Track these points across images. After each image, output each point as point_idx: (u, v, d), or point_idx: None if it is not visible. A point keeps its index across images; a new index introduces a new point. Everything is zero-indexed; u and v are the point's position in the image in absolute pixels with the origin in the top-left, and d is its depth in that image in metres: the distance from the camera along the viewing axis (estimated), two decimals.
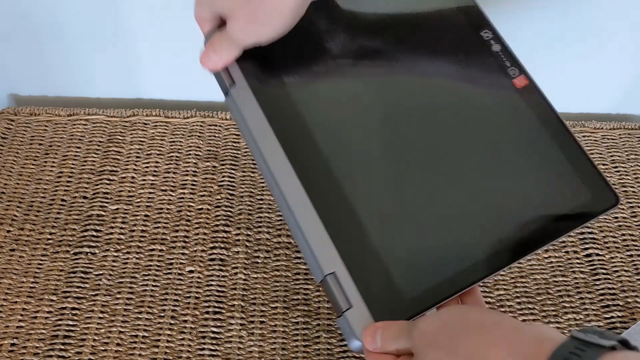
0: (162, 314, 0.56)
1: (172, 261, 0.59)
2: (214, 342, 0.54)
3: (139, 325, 0.55)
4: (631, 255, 0.62)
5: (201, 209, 0.63)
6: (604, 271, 0.60)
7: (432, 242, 0.40)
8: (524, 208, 0.40)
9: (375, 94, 0.43)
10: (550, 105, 0.42)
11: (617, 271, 0.60)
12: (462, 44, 0.43)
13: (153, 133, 0.69)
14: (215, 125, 0.71)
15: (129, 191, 0.64)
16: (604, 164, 0.69)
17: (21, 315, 0.55)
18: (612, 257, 0.61)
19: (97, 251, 0.59)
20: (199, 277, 0.58)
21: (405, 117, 0.42)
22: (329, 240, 0.39)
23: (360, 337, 0.38)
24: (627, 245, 0.62)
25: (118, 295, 0.57)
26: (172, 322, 0.55)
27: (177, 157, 0.67)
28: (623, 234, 0.63)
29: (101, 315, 0.55)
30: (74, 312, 0.55)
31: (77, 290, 0.57)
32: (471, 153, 0.41)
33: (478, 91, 0.42)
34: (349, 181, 0.40)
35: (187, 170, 0.66)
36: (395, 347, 0.36)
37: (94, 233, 0.61)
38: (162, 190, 0.64)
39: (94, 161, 0.67)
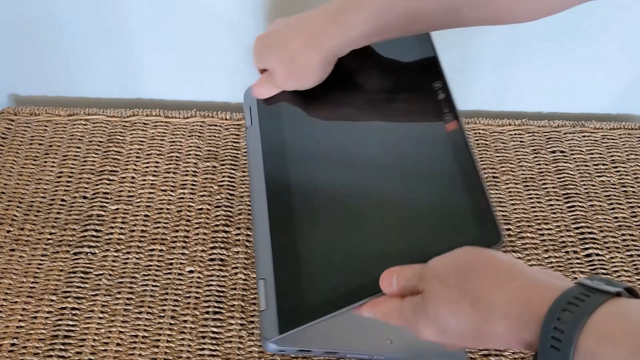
0: (162, 314, 0.56)
1: (172, 261, 0.59)
2: (214, 342, 0.54)
3: (139, 325, 0.55)
4: (631, 255, 0.62)
5: (201, 209, 0.63)
6: (604, 271, 0.60)
7: (342, 262, 0.47)
8: (421, 236, 0.46)
9: (339, 140, 0.53)
10: (468, 147, 0.47)
11: (617, 271, 0.60)
12: (415, 94, 0.52)
13: (153, 133, 0.69)
14: (215, 125, 0.71)
15: (129, 191, 0.64)
16: (604, 164, 0.69)
17: (21, 315, 0.55)
18: (612, 257, 0.61)
19: (97, 251, 0.59)
20: (199, 277, 0.58)
21: (357, 160, 0.51)
22: (270, 252, 0.48)
23: (268, 337, 0.44)
24: (627, 245, 0.62)
25: (118, 295, 0.57)
26: (172, 322, 0.55)
27: (177, 157, 0.67)
28: (623, 234, 0.63)
29: (101, 315, 0.55)
30: (74, 312, 0.55)
31: (77, 290, 0.57)
32: (397, 188, 0.49)
33: (418, 134, 0.50)
34: (301, 211, 0.49)
35: (187, 170, 0.66)
36: (410, 288, 0.39)
37: (94, 233, 0.61)
38: (162, 190, 0.64)
39: (94, 161, 0.67)
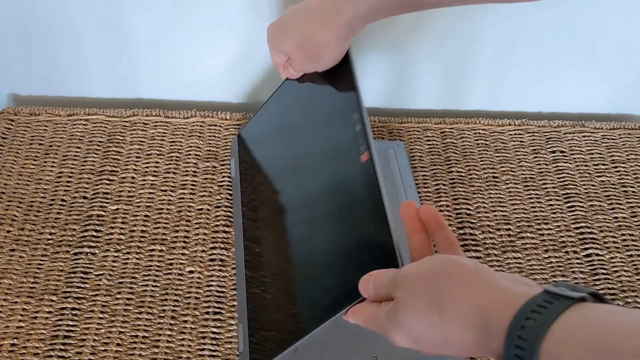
0: (162, 314, 0.56)
1: (172, 261, 0.59)
2: (214, 342, 0.54)
3: (139, 325, 0.55)
4: (631, 255, 0.62)
5: (201, 209, 0.63)
6: (604, 271, 0.60)
7: (289, 305, 0.50)
8: (335, 270, 0.47)
9: (282, 186, 0.58)
10: (377, 177, 0.45)
11: (617, 271, 0.60)
12: (336, 126, 0.52)
13: (153, 133, 0.69)
14: (215, 125, 0.71)
15: (129, 191, 0.64)
16: (604, 164, 0.69)
17: (21, 315, 0.55)
18: (612, 257, 0.61)
19: (97, 251, 0.59)
20: (199, 277, 0.58)
21: (291, 205, 0.56)
22: (245, 301, 0.54)
23: None
24: (627, 245, 0.62)
25: (118, 296, 0.57)
26: (172, 322, 0.55)
27: (177, 157, 0.67)
28: (623, 234, 0.63)
29: (101, 316, 0.55)
30: (74, 312, 0.55)
31: (77, 290, 0.57)
32: (317, 227, 0.51)
33: (336, 164, 0.51)
34: (259, 262, 0.55)
35: (187, 171, 0.66)
36: (385, 293, 0.39)
37: (94, 233, 0.61)
38: (162, 190, 0.64)
39: (94, 161, 0.67)
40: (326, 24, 0.50)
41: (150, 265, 0.59)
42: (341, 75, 0.54)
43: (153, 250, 0.60)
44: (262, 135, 0.64)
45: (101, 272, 0.58)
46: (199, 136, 0.69)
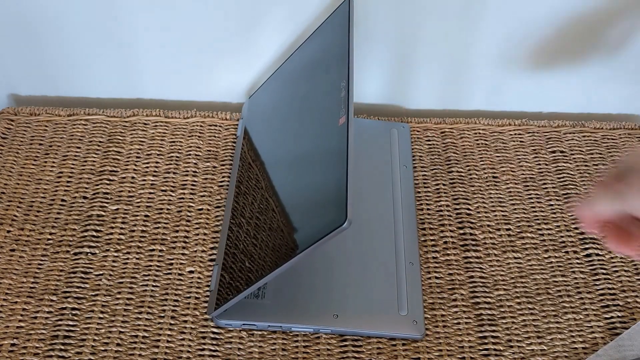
0: (162, 314, 0.56)
1: (172, 261, 0.59)
2: (214, 342, 0.54)
3: (139, 325, 0.55)
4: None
5: (201, 209, 0.63)
6: (604, 271, 0.60)
7: (259, 251, 0.54)
8: (293, 218, 0.52)
9: (273, 144, 0.62)
10: (347, 138, 0.50)
11: (617, 271, 0.60)
12: (326, 92, 0.57)
13: (153, 133, 0.69)
14: (215, 125, 0.71)
15: (129, 191, 0.64)
16: (604, 164, 0.69)
17: (21, 315, 0.55)
18: (612, 257, 0.61)
19: (97, 251, 0.59)
20: (199, 278, 0.58)
21: (275, 160, 0.60)
22: (225, 243, 0.59)
23: (208, 313, 0.54)
24: None
25: (118, 296, 0.57)
26: (172, 322, 0.55)
27: (177, 157, 0.67)
28: None
29: (101, 316, 0.55)
30: (74, 312, 0.55)
31: (77, 290, 0.57)
32: (289, 179, 0.56)
33: (318, 126, 0.55)
34: (242, 210, 0.59)
35: (187, 171, 0.66)
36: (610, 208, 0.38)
37: (94, 233, 0.61)
38: (162, 190, 0.64)
39: (94, 161, 0.67)
40: None
41: (150, 265, 0.59)
42: (340, 44, 0.58)
43: (153, 250, 0.60)
44: (265, 101, 0.68)
45: (101, 272, 0.58)
46: (199, 136, 0.69)
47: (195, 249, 0.60)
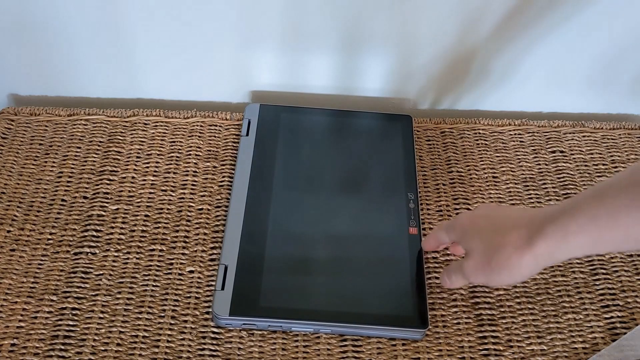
0: (163, 314, 0.56)
1: (173, 261, 0.59)
2: (214, 342, 0.54)
3: (139, 325, 0.55)
4: (631, 255, 0.62)
5: (201, 209, 0.63)
6: (604, 271, 0.60)
7: (297, 279, 0.57)
8: (362, 292, 0.57)
9: (319, 182, 0.65)
10: (421, 252, 0.59)
11: (617, 271, 0.61)
12: (391, 198, 0.63)
13: (153, 133, 0.69)
14: (215, 125, 0.71)
15: (129, 191, 0.64)
16: (604, 164, 0.69)
17: (21, 315, 0.55)
18: (612, 257, 0.62)
19: (97, 251, 0.59)
20: (199, 277, 0.58)
21: (330, 210, 0.63)
22: (239, 240, 0.59)
23: (219, 315, 0.54)
24: None
25: (118, 295, 0.57)
26: (172, 322, 0.55)
27: (177, 157, 0.67)
28: None
29: (101, 316, 0.55)
30: (74, 312, 0.55)
31: (77, 290, 0.57)
32: (355, 245, 0.61)
33: (387, 230, 0.61)
34: (274, 223, 0.61)
35: (187, 170, 0.66)
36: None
37: (94, 233, 0.61)
38: (163, 190, 0.64)
39: (94, 161, 0.67)
40: (529, 245, 0.44)
41: (151, 265, 0.59)
42: (400, 147, 0.67)
43: (153, 250, 0.60)
44: (293, 127, 0.70)
45: (101, 272, 0.58)
46: (199, 136, 0.69)
47: (195, 249, 0.60)
